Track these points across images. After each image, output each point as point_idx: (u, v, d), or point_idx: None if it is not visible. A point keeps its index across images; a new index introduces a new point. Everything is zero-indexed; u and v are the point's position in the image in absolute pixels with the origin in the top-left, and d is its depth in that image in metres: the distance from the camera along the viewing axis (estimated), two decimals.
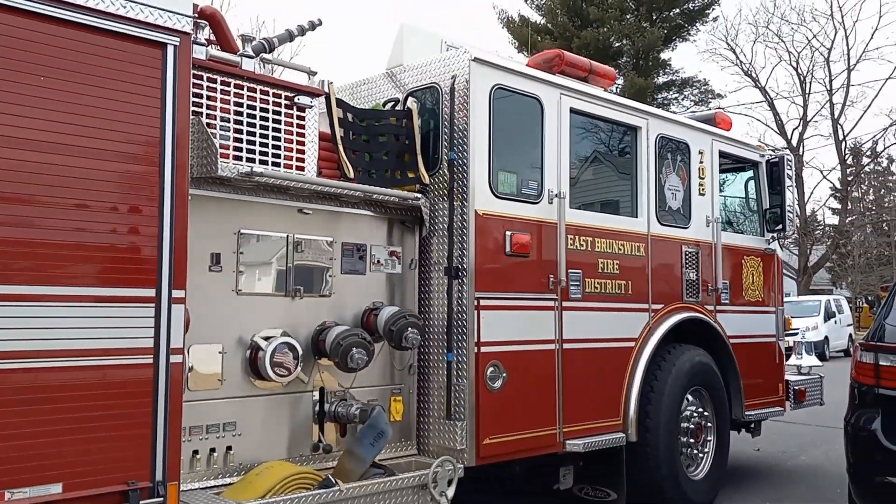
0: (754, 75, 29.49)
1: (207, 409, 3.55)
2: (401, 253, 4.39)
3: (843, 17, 29.54)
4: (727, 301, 6.14)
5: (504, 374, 4.38)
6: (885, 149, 30.72)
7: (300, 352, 3.78)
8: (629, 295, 5.25)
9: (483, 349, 4.29)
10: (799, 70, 28.83)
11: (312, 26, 4.80)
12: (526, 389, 4.52)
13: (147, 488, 3.01)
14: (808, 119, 28.81)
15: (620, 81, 28.40)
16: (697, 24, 31.84)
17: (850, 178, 30.55)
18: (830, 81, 28.13)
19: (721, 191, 6.31)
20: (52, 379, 2.82)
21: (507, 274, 4.48)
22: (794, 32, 29.81)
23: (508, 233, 4.47)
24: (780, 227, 6.64)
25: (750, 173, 6.76)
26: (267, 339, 3.71)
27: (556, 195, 4.74)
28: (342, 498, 3.58)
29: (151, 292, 3.05)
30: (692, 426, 5.68)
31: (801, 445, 8.26)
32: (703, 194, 5.97)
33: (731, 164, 6.58)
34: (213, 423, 3.57)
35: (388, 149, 4.33)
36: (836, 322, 22.99)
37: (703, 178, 6.01)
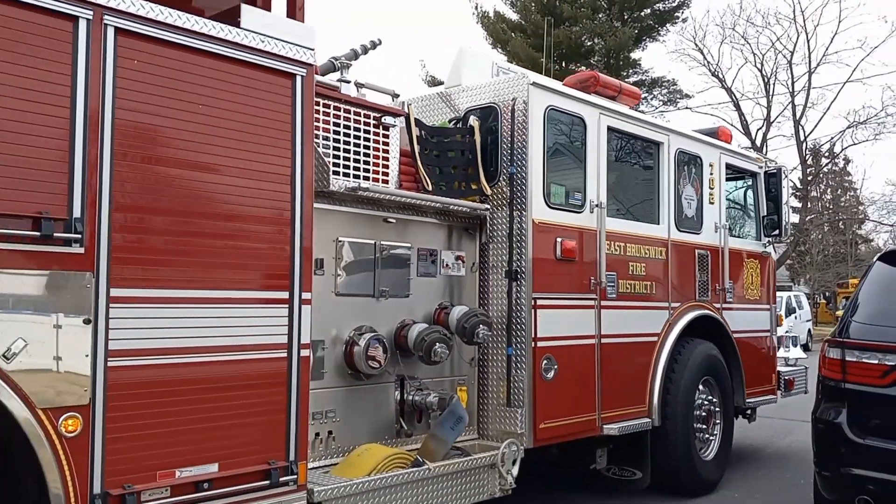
0: (721, 76, 30.42)
1: (314, 399, 3.99)
2: (465, 257, 4.87)
3: (804, 20, 29.62)
4: (731, 299, 6.76)
5: (556, 367, 4.90)
6: (842, 150, 31.96)
7: (388, 347, 4.24)
8: (653, 294, 5.81)
9: (539, 344, 4.81)
10: (763, 72, 29.83)
11: (374, 45, 5.22)
12: (572, 380, 5.05)
13: (283, 467, 3.43)
14: (771, 120, 29.87)
15: None
16: (668, 25, 32.51)
17: (809, 178, 31.79)
18: (793, 83, 29.14)
19: (726, 199, 6.93)
20: (209, 372, 3.22)
21: (557, 276, 4.99)
22: (758, 35, 30.37)
23: (558, 239, 4.99)
24: (776, 232, 7.30)
25: (749, 182, 7.40)
26: (360, 335, 4.16)
27: (597, 205, 5.27)
28: (431, 476, 4.07)
29: (286, 294, 3.48)
30: (703, 413, 6.28)
31: (769, 437, 8.73)
32: (712, 203, 6.56)
33: (734, 174, 7.20)
34: (317, 410, 4.01)
35: (455, 163, 4.80)
36: (796, 318, 24.12)
37: (712, 189, 6.60)
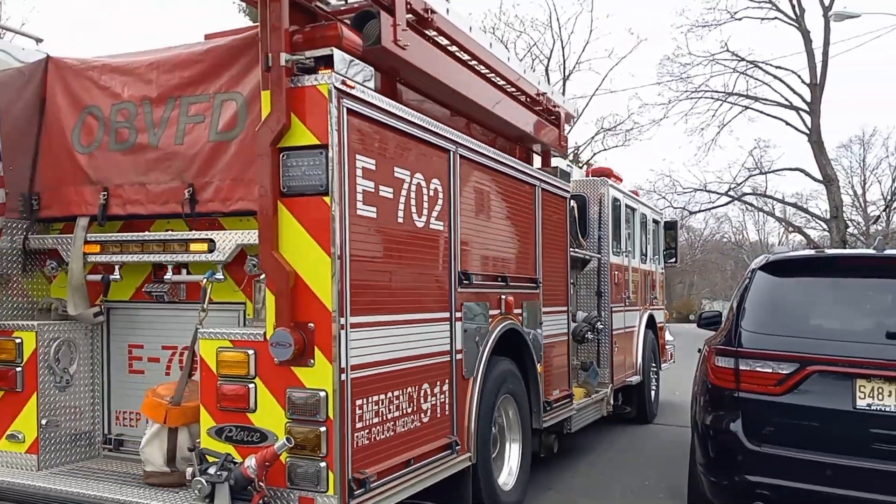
0: None
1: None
2: (575, 281, 8.42)
3: (560, 28, 31.56)
4: (656, 302, 11.03)
5: (617, 345, 8.65)
6: (593, 155, 37.44)
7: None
8: (637, 301, 9.80)
9: (614, 333, 8.52)
10: None
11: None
12: (622, 351, 8.83)
13: (454, 441, 4.77)
14: None
15: None
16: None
17: None
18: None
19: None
20: (409, 374, 4.31)
21: (615, 294, 8.74)
22: (517, 39, 30.59)
23: (616, 272, 8.74)
24: (673, 260, 11.74)
25: (653, 227, 11.76)
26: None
27: (626, 252, 9.13)
28: (592, 401, 7.62)
29: (447, 314, 4.84)
30: (656, 373, 10.45)
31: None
32: (646, 242, 10.73)
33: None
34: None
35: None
36: None
37: (646, 234, 10.77)
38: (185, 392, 4.23)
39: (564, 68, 30.36)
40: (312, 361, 3.71)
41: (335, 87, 3.61)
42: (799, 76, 27.38)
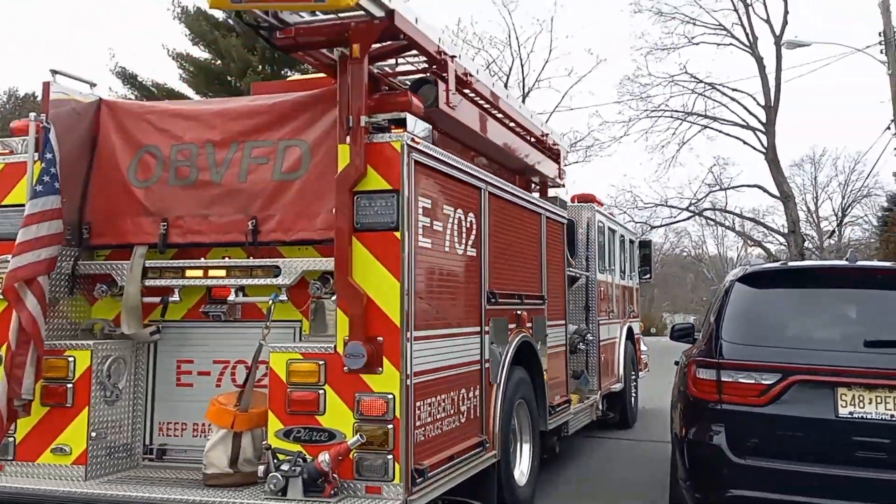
0: None
1: None
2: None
3: (519, 47, 31.52)
4: (633, 315, 11.93)
5: (603, 355, 9.48)
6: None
7: None
8: (618, 314, 10.67)
9: (601, 344, 9.36)
10: None
11: None
12: (606, 360, 9.67)
13: (483, 440, 5.46)
14: None
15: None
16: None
17: None
18: None
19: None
20: (452, 380, 5.04)
21: (602, 308, 9.57)
22: (476, 56, 30.21)
23: (602, 288, 9.59)
24: (647, 276, 12.68)
25: (630, 246, 12.69)
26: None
27: (610, 270, 9.99)
28: (584, 406, 8.42)
29: (479, 328, 5.56)
30: (635, 381, 11.32)
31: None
32: (624, 261, 11.63)
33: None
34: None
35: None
36: None
37: (624, 253, 11.67)
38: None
39: (524, 85, 30.89)
40: (381, 369, 4.42)
41: (407, 144, 4.38)
42: (755, 98, 28.94)
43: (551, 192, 8.24)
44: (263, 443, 4.61)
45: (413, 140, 4.44)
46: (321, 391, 4.52)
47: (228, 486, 4.65)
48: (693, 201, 31.44)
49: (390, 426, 4.37)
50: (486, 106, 5.79)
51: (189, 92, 30.52)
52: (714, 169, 32.03)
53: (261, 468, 4.48)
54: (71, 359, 5.01)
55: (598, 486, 7.59)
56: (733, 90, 29.23)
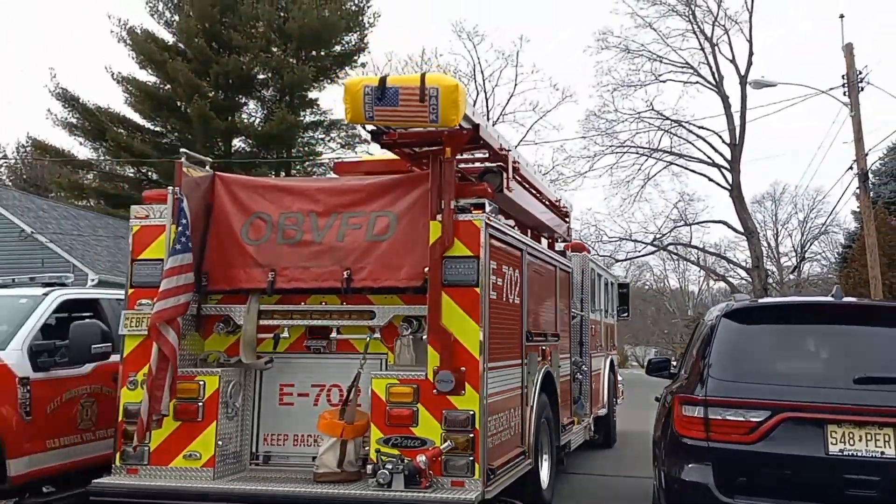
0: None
1: None
2: None
3: (484, 80, 33.01)
4: (613, 348, 13.50)
5: (593, 385, 10.96)
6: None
7: None
8: (602, 347, 12.21)
9: (592, 373, 10.85)
10: None
11: None
12: (596, 391, 11.15)
13: (524, 450, 7.02)
14: None
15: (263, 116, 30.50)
16: (346, 68, 31.80)
17: None
18: None
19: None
20: (506, 402, 6.42)
21: (594, 342, 11.09)
22: None
23: (593, 326, 11.12)
24: (625, 314, 14.30)
25: (611, 287, 14.31)
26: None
27: (598, 309, 11.55)
28: (581, 427, 9.87)
29: (520, 361, 6.99)
30: (615, 407, 12.84)
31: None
32: (608, 301, 13.22)
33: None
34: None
35: None
36: None
37: (607, 294, 13.27)
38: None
39: (488, 118, 30.33)
40: (464, 392, 5.83)
41: (486, 223, 5.86)
42: (720, 136, 30.88)
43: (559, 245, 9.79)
44: (365, 448, 5.99)
45: (489, 219, 5.93)
46: (415, 408, 5.89)
47: (337, 483, 5.97)
48: (658, 236, 33.21)
49: (471, 435, 5.77)
50: (526, 185, 7.33)
51: (135, 117, 30.24)
52: (679, 205, 33.46)
53: (370, 466, 5.82)
54: (202, 382, 6.30)
55: (598, 491, 9.03)
56: (699, 127, 31.15)
